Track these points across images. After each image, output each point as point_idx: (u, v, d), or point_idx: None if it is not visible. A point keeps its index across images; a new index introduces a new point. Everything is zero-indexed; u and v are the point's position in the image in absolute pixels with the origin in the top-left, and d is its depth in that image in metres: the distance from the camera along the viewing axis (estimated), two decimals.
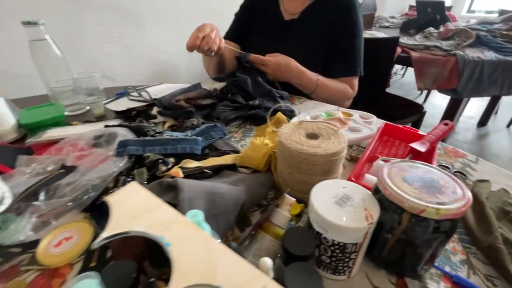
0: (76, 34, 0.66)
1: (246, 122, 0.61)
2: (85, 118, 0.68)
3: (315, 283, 0.20)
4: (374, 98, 1.10)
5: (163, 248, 0.19)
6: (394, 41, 0.99)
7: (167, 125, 0.59)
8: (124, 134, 0.47)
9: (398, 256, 0.27)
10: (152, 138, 0.45)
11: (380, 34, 1.49)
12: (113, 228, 0.19)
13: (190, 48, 0.60)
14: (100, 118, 0.68)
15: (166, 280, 0.21)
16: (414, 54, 1.23)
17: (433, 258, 0.27)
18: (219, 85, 0.66)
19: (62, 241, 0.33)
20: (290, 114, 0.60)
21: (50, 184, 0.38)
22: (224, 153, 0.47)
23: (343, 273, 0.28)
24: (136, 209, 0.20)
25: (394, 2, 2.47)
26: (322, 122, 0.41)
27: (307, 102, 0.73)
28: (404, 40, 1.33)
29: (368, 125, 0.55)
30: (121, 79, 0.76)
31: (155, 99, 0.71)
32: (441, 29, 1.41)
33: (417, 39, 1.40)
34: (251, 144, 0.47)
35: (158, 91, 0.77)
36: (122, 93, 0.79)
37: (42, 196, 0.37)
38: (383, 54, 1.03)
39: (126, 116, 0.66)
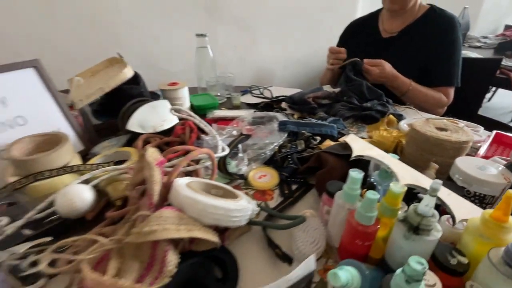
0: (211, 43, 0.89)
1: (358, 120, 0.75)
2: (226, 106, 0.90)
3: None
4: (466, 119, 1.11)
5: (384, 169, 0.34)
6: (495, 62, 1.01)
7: (295, 117, 0.76)
8: (281, 116, 0.65)
9: None
10: (303, 121, 0.62)
11: (473, 54, 1.48)
12: (356, 152, 0.35)
13: (331, 67, 0.79)
14: (236, 107, 0.89)
15: None
16: None
17: None
18: (336, 89, 0.81)
19: (261, 176, 0.51)
20: (398, 118, 0.72)
21: (242, 142, 0.58)
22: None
23: None
24: (361, 147, 0.36)
25: (486, 22, 2.34)
26: (445, 120, 0.52)
27: (407, 110, 0.84)
28: (504, 61, 1.30)
29: (476, 133, 0.64)
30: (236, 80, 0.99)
31: (277, 96, 0.90)
32: None
33: None
34: (378, 134, 0.60)
35: (273, 90, 0.97)
36: (246, 91, 1.01)
37: (239, 149, 0.56)
38: (480, 75, 1.05)
39: (256, 107, 0.86)
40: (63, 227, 0.40)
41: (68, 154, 0.48)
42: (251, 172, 0.51)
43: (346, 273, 0.23)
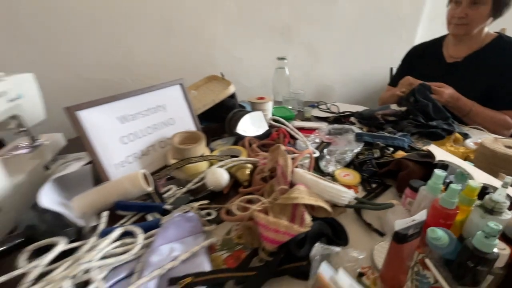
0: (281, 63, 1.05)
1: (424, 137, 0.84)
2: (299, 118, 1.05)
3: None
4: None
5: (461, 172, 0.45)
6: None
7: (364, 130, 0.88)
8: (356, 129, 0.78)
9: None
10: (377, 134, 0.74)
11: None
12: (438, 158, 0.47)
13: (402, 94, 0.91)
14: (307, 119, 1.04)
15: None
16: None
17: None
18: (402, 108, 0.92)
19: (346, 175, 0.64)
20: (464, 136, 0.79)
21: (325, 148, 0.72)
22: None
23: None
24: (442, 154, 0.47)
25: None
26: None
27: (473, 130, 0.89)
28: None
29: None
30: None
31: (344, 111, 1.03)
32: None
33: None
34: (445, 149, 0.69)
35: (339, 106, 1.10)
36: (314, 105, 1.16)
37: (325, 153, 0.70)
38: None
39: (325, 120, 1.00)
40: (210, 195, 0.57)
41: (204, 147, 0.67)
42: (337, 171, 0.64)
43: (440, 231, 0.35)
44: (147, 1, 1.03)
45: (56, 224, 0.44)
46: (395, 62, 1.22)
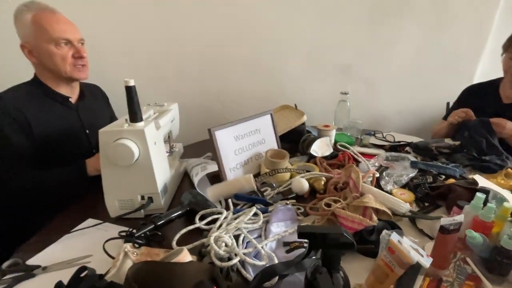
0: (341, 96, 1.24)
1: (476, 170, 0.94)
2: (357, 144, 1.22)
3: None
4: None
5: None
6: None
7: (418, 159, 1.02)
8: (411, 157, 0.93)
9: None
10: (431, 163, 0.89)
11: None
12: (481, 184, 0.62)
13: (453, 121, 1.03)
14: (365, 146, 1.21)
15: None
16: None
17: None
18: (456, 143, 1.04)
19: (402, 193, 0.80)
20: None
21: (384, 171, 0.89)
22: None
23: None
24: (485, 183, 0.62)
25: None
26: None
27: None
28: None
29: None
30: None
31: (400, 141, 1.18)
32: None
33: None
34: (495, 182, 0.81)
35: (394, 136, 1.25)
36: (370, 133, 1.32)
37: (384, 174, 0.87)
38: None
39: (382, 147, 1.15)
40: (295, 197, 0.79)
41: (287, 162, 0.90)
42: (394, 189, 0.81)
43: (475, 233, 0.51)
44: (238, 47, 1.36)
45: (205, 202, 0.70)
46: (453, 96, 1.33)
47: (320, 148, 1.02)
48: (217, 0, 1.27)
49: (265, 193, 0.79)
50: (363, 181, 0.71)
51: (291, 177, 0.89)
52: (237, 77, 1.41)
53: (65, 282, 0.47)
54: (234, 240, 0.54)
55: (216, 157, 0.82)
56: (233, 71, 1.39)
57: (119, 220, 0.70)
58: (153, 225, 0.60)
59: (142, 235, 0.58)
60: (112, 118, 1.09)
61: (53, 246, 0.63)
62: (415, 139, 1.17)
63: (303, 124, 1.18)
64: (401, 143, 1.16)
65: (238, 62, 1.38)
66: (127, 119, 0.66)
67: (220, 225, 0.62)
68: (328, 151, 1.03)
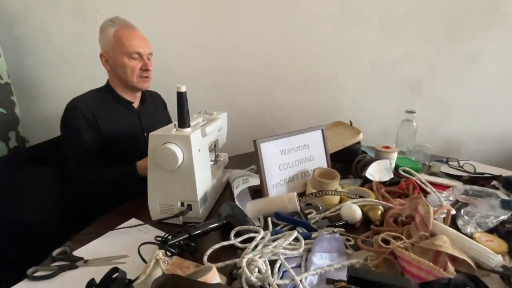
0: (406, 115, 1.06)
1: None
2: (424, 171, 1.04)
3: None
4: None
5: None
6: None
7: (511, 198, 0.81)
8: (501, 195, 0.74)
9: None
10: None
11: None
12: None
13: None
14: (434, 174, 1.02)
15: None
16: None
17: None
18: None
19: (488, 240, 0.62)
20: None
21: (462, 208, 0.71)
22: None
23: None
24: None
25: None
26: None
27: None
28: None
29: None
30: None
31: (483, 173, 0.96)
32: None
33: None
34: None
35: (475, 166, 1.02)
36: (442, 161, 1.12)
37: (462, 212, 0.70)
38: None
39: (458, 179, 0.95)
40: (344, 225, 0.68)
41: (337, 184, 0.80)
42: (477, 233, 0.64)
43: None
44: (294, 60, 1.32)
45: (243, 217, 0.65)
46: None
47: (378, 172, 0.89)
48: (275, 12, 1.27)
49: (309, 216, 0.71)
50: (435, 218, 0.58)
51: (340, 202, 0.79)
52: (290, 89, 1.37)
53: (98, 279, 0.47)
54: (269, 267, 0.48)
55: (259, 171, 0.77)
56: (286, 84, 1.36)
57: (159, 224, 0.71)
58: (187, 235, 0.57)
59: (176, 243, 0.56)
60: (169, 122, 1.16)
61: (98, 241, 0.65)
62: (504, 172, 0.94)
63: (358, 143, 1.06)
64: (485, 175, 0.94)
65: (293, 74, 1.34)
66: (176, 124, 0.67)
67: (256, 246, 0.56)
68: (387, 176, 0.89)
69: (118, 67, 0.91)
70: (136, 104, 1.02)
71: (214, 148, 0.94)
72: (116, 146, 0.93)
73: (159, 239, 0.58)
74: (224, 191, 0.90)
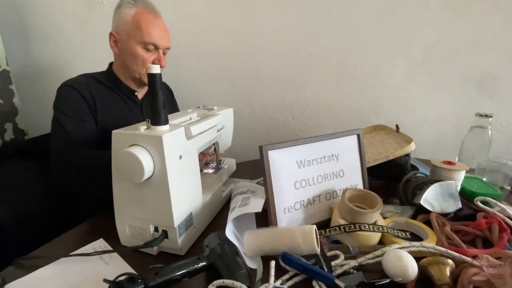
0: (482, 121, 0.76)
1: None
2: (504, 199, 0.74)
3: None
4: None
5: None
6: None
7: None
8: None
9: None
10: None
11: None
12: None
13: None
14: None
15: None
16: None
17: None
18: None
19: None
20: None
21: None
22: None
23: None
24: None
25: None
26: None
27: None
28: None
29: None
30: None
31: None
32: None
33: None
34: None
35: None
36: None
37: None
38: None
39: None
40: (389, 285, 0.44)
41: (378, 215, 0.56)
42: None
43: None
44: (324, 49, 1.08)
45: (233, 258, 0.44)
46: None
47: (438, 198, 0.62)
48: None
49: (333, 263, 0.48)
50: None
51: (381, 242, 0.55)
52: (318, 85, 1.12)
53: None
54: None
55: (265, 189, 0.56)
56: (314, 78, 1.11)
57: (129, 252, 0.53)
58: (142, 286, 0.38)
59: None
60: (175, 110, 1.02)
61: (42, 271, 0.49)
62: None
63: (407, 155, 0.79)
64: None
65: (322, 67, 1.10)
66: (149, 120, 0.48)
67: None
68: (453, 205, 0.62)
69: (127, 54, 0.77)
70: (140, 95, 0.87)
71: (214, 153, 0.75)
72: (109, 139, 0.77)
73: (108, 283, 0.40)
74: (225, 209, 0.70)
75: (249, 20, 1.09)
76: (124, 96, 0.83)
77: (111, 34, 0.78)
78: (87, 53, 1.16)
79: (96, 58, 1.15)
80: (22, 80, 1.15)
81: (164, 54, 0.81)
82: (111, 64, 0.85)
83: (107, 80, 0.82)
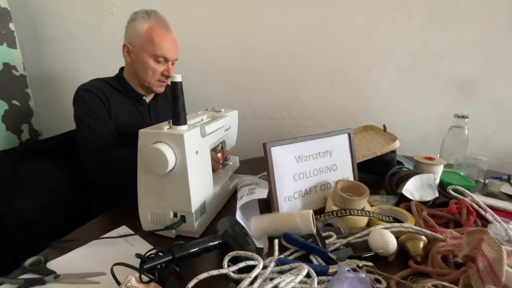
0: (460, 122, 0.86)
1: None
2: (478, 191, 0.84)
3: None
4: None
5: None
6: None
7: None
8: None
9: None
10: None
11: None
12: None
13: None
14: (492, 195, 0.82)
15: None
16: None
17: None
18: None
19: None
20: None
21: None
22: None
23: None
24: None
25: None
26: None
27: None
28: None
29: None
30: None
31: None
32: None
33: None
34: None
35: None
36: (501, 178, 0.90)
37: None
38: None
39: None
40: (373, 258, 0.53)
41: (365, 202, 0.65)
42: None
43: None
44: (319, 54, 1.17)
45: (243, 237, 0.53)
46: None
47: (418, 188, 0.72)
48: (297, 3, 1.13)
49: (327, 241, 0.57)
50: (508, 264, 0.41)
51: (369, 225, 0.64)
52: (313, 88, 1.21)
53: None
54: None
55: (269, 181, 0.64)
56: (309, 81, 1.21)
57: (150, 236, 0.61)
58: (170, 257, 0.46)
59: (158, 266, 0.46)
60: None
61: (77, 251, 0.57)
62: None
63: (393, 152, 0.89)
64: None
65: (317, 71, 1.19)
66: (170, 121, 0.56)
67: (256, 278, 0.43)
68: (431, 194, 0.71)
69: (139, 64, 0.85)
70: (148, 99, 0.95)
71: (221, 150, 0.83)
72: (122, 138, 0.85)
73: (141, 258, 0.48)
74: (231, 201, 0.79)
75: (251, 27, 1.17)
76: (133, 100, 0.91)
77: (124, 45, 0.85)
78: (97, 58, 1.23)
79: (106, 63, 1.22)
80: (36, 84, 1.22)
81: (172, 64, 0.89)
82: (121, 69, 0.93)
83: (118, 85, 0.89)
